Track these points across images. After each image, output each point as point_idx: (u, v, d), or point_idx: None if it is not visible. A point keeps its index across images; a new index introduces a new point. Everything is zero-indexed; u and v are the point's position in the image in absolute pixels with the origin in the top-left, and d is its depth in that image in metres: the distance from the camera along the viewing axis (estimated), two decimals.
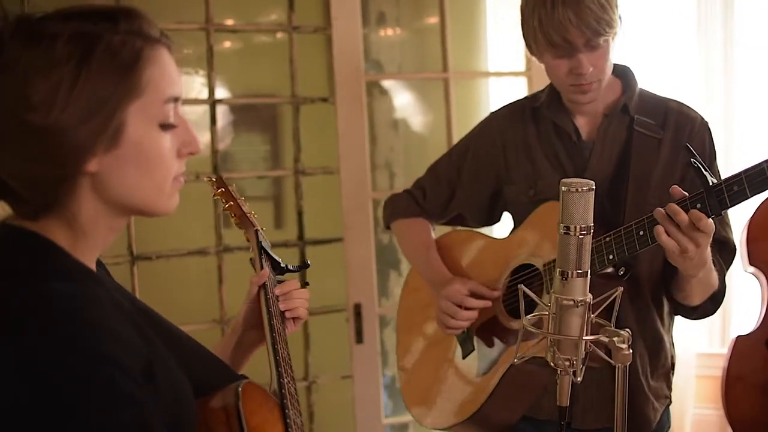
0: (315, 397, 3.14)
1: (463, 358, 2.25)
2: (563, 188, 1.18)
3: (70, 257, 1.12)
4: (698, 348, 3.63)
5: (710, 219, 1.74)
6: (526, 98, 2.27)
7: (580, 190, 1.17)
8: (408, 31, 3.60)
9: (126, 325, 1.10)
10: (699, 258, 1.82)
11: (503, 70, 3.55)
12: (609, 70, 2.03)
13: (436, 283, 2.27)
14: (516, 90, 3.24)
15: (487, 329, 2.20)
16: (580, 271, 1.17)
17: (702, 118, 2.09)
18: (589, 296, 1.19)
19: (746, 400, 2.83)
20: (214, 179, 1.77)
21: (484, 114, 3.53)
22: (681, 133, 2.06)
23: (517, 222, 2.24)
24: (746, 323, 3.01)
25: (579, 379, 1.20)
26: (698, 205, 1.75)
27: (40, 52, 1.06)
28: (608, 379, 2.02)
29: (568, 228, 1.18)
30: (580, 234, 1.17)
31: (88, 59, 1.06)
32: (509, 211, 2.30)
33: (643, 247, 1.88)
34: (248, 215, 1.74)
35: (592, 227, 1.18)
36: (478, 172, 2.28)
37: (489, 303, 2.17)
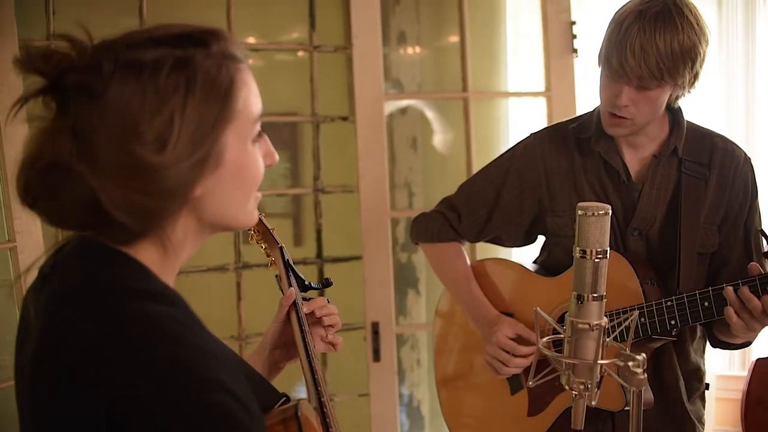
0: None
1: (512, 394, 2.23)
2: (579, 212, 1.19)
3: (161, 280, 1.11)
4: (718, 370, 3.60)
5: None
6: (569, 123, 2.20)
7: (596, 214, 1.17)
8: (428, 51, 3.61)
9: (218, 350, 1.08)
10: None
11: (523, 90, 3.56)
12: (650, 116, 1.98)
13: (481, 320, 2.23)
14: (535, 110, 3.25)
15: (537, 368, 2.19)
16: (595, 295, 1.18)
17: (745, 155, 2.09)
18: (605, 320, 1.19)
19: (766, 422, 2.80)
20: None
21: (503, 133, 3.56)
22: (726, 171, 2.05)
23: (557, 253, 2.20)
24: (767, 345, 2.99)
25: (594, 403, 1.20)
26: None
27: (144, 84, 1.03)
28: (653, 418, 2.03)
29: (584, 252, 1.18)
30: (596, 258, 1.17)
31: (192, 89, 1.05)
32: (549, 240, 2.25)
33: (708, 318, 1.92)
34: (272, 232, 1.74)
35: (608, 251, 1.18)
36: (521, 197, 2.21)
37: (535, 348, 2.14)
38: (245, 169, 1.13)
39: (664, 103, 1.97)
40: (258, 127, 1.15)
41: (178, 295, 1.11)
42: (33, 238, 2.49)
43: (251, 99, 1.13)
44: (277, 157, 1.21)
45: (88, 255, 1.09)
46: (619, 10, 1.97)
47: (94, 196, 1.03)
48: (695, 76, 1.95)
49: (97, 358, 0.98)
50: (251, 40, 3.16)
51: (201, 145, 1.06)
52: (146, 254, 1.10)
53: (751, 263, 1.89)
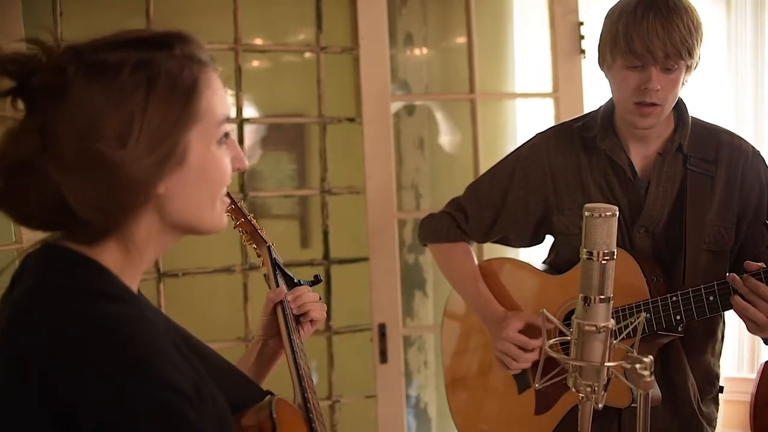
0: (339, 416, 3.13)
1: (519, 393, 2.24)
2: (586, 213, 1.18)
3: (119, 280, 1.13)
4: (726, 372, 3.58)
5: None
6: (574, 122, 2.21)
7: (603, 215, 1.17)
8: (435, 52, 3.61)
9: (173, 348, 1.11)
10: None
11: (530, 91, 3.55)
12: (672, 101, 1.99)
13: (489, 317, 2.24)
14: (543, 111, 3.24)
15: (544, 367, 2.20)
16: (602, 297, 1.17)
17: (754, 149, 2.08)
18: (612, 322, 1.18)
19: None
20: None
21: (510, 135, 3.55)
22: (734, 167, 2.04)
23: (564, 252, 2.21)
24: None
25: (600, 405, 1.20)
26: None
27: (106, 83, 1.07)
28: (660, 416, 2.03)
29: (591, 253, 1.17)
30: (603, 259, 1.17)
31: (153, 88, 1.08)
32: (556, 239, 2.27)
33: (713, 313, 1.91)
34: (259, 231, 1.75)
35: (616, 252, 1.18)
36: (527, 197, 2.23)
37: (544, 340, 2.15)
38: (209, 171, 1.16)
39: (680, 88, 1.99)
40: (224, 130, 1.17)
41: (136, 296, 1.15)
42: (40, 239, 2.49)
43: (215, 101, 1.16)
44: (246, 162, 1.23)
45: (48, 258, 1.13)
46: (616, 6, 2.00)
47: (60, 194, 1.06)
48: (699, 59, 1.98)
49: (47, 357, 1.01)
50: (258, 41, 3.16)
51: (163, 143, 1.09)
52: (108, 255, 1.13)
53: (746, 262, 1.88)
